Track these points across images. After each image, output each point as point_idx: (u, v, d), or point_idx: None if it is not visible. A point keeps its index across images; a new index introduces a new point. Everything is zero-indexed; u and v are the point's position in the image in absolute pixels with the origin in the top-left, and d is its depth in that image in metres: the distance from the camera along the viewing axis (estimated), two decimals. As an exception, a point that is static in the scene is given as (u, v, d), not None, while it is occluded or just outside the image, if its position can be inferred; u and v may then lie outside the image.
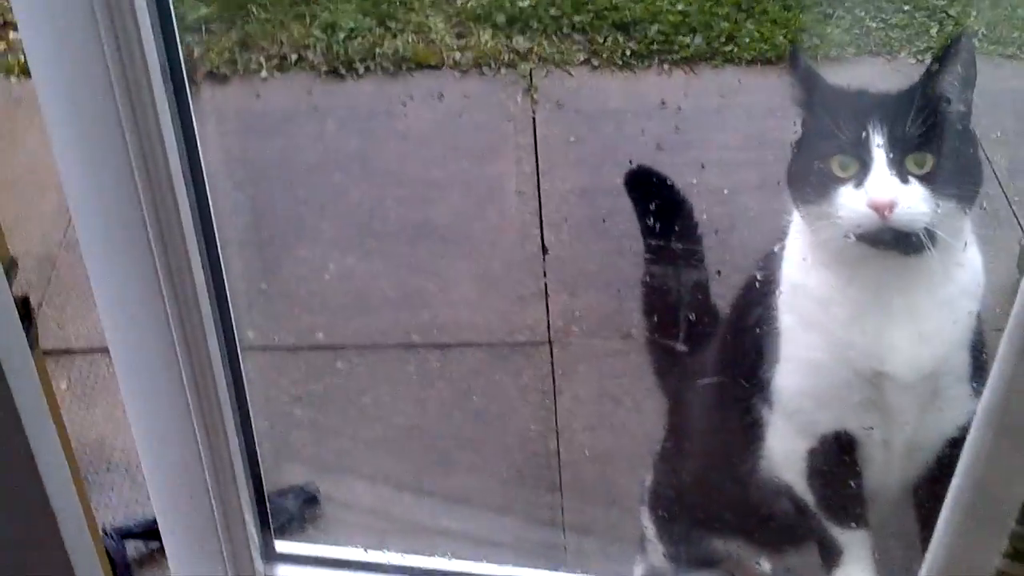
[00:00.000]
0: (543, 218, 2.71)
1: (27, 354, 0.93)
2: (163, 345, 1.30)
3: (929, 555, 1.18)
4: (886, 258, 1.28)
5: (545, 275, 2.58)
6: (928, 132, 1.26)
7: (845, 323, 1.33)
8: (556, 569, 1.79)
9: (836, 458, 1.39)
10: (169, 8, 1.11)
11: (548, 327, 2.47)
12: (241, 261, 2.62)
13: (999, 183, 2.74)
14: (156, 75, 1.09)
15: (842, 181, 1.27)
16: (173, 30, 1.12)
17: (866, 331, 1.32)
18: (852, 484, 1.42)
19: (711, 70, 3.20)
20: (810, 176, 1.30)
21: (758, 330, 1.39)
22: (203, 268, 1.29)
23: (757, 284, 1.42)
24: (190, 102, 1.18)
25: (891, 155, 1.25)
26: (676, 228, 1.65)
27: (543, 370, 2.39)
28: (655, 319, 1.74)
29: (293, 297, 2.54)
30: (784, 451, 1.44)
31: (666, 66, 3.22)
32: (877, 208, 1.23)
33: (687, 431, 1.71)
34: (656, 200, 1.65)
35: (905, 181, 1.25)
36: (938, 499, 1.15)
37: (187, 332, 1.30)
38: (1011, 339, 0.96)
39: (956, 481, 1.09)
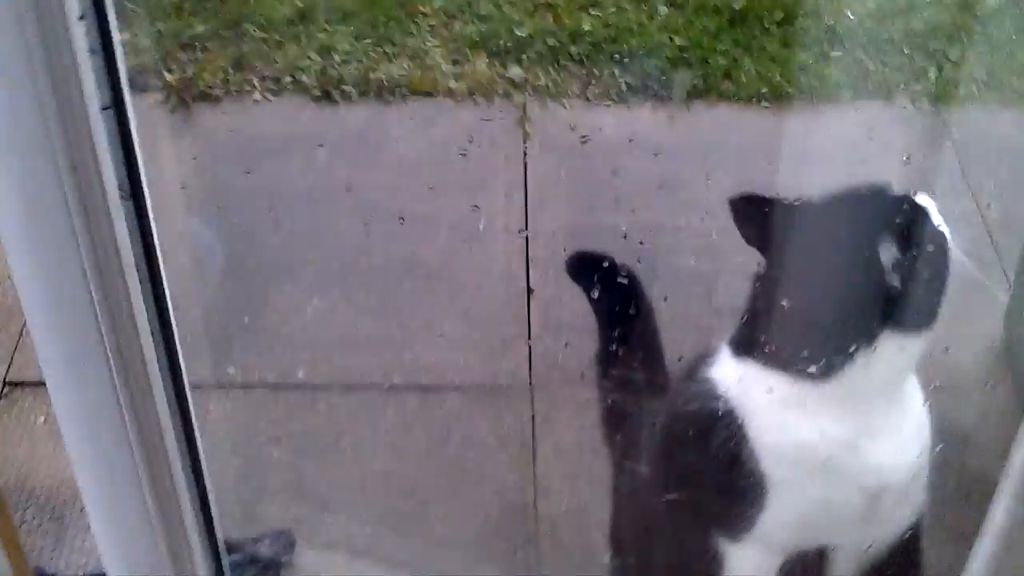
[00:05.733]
0: (530, 257, 2.69)
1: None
2: (104, 388, 1.24)
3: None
4: None
5: (529, 317, 2.56)
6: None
7: (844, 451, 1.32)
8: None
9: (811, 568, 1.38)
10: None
11: (530, 371, 2.45)
12: (223, 293, 2.60)
13: (988, 234, 2.73)
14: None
15: None
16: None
17: (863, 449, 1.32)
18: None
19: (707, 107, 3.18)
20: None
21: (728, 472, 1.36)
22: (145, 305, 1.21)
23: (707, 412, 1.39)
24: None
25: None
26: (624, 306, 1.65)
27: (523, 416, 2.37)
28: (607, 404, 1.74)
29: (274, 333, 2.52)
30: (753, 572, 1.42)
31: (662, 101, 3.20)
32: None
33: (635, 523, 1.69)
34: (601, 282, 1.64)
35: None
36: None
37: (130, 376, 1.23)
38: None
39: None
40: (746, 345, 1.35)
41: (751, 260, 2.66)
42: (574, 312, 2.56)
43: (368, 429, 2.33)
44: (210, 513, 1.52)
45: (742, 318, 1.39)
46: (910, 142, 3.07)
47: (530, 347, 2.49)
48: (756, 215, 1.38)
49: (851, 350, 1.27)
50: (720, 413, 1.33)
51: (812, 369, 1.28)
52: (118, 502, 1.36)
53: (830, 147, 3.02)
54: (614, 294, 1.69)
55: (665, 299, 2.53)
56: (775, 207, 1.38)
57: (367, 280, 2.67)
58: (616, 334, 1.72)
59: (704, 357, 1.40)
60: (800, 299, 1.30)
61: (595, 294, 1.69)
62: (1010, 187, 2.90)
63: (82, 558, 2.10)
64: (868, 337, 1.28)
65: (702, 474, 1.41)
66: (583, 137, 3.09)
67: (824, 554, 1.40)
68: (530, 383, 2.43)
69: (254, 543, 2.08)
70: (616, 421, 1.73)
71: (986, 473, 2.20)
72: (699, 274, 2.64)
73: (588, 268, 1.73)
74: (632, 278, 1.70)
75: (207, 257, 2.69)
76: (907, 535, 1.44)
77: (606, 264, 1.72)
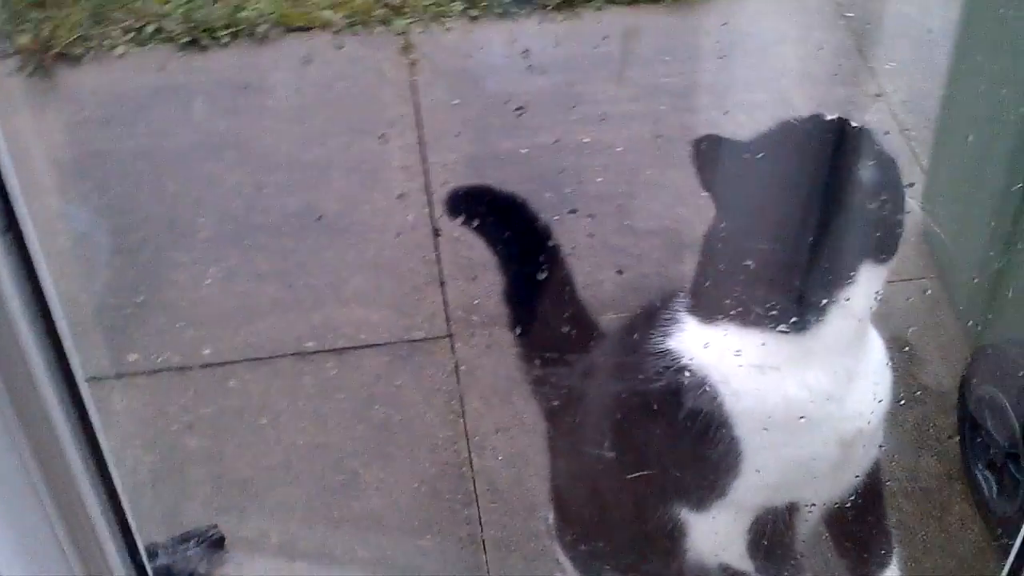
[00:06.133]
0: (431, 196, 2.57)
1: None
2: None
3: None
4: None
5: (439, 261, 2.44)
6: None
7: (824, 402, 1.24)
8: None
9: (781, 525, 1.31)
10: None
11: (447, 319, 2.35)
12: (111, 272, 2.45)
13: (894, 118, 2.68)
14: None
15: None
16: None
17: (841, 398, 1.24)
18: (790, 542, 1.35)
19: (593, 12, 3.06)
20: None
21: (699, 445, 1.27)
22: (21, 299, 1.07)
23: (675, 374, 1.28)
24: None
25: None
26: (518, 237, 1.52)
27: (447, 367, 2.27)
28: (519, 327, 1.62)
29: (174, 309, 2.38)
30: (720, 537, 1.36)
31: (549, 11, 3.07)
32: None
33: (580, 479, 1.61)
34: (489, 216, 1.52)
35: None
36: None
37: (12, 376, 1.09)
38: None
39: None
40: (709, 309, 1.25)
41: (663, 176, 2.58)
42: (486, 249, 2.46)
43: (287, 402, 2.22)
44: (124, 515, 1.39)
45: (699, 280, 1.29)
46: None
47: (444, 293, 2.39)
48: (715, 158, 1.28)
49: (831, 294, 1.19)
50: (687, 386, 1.23)
51: (788, 323, 1.19)
52: (13, 507, 1.23)
53: (730, 44, 2.94)
54: (503, 227, 1.55)
55: (575, 212, 2.46)
56: (732, 149, 1.27)
57: (265, 239, 2.53)
58: (516, 270, 1.59)
59: (653, 324, 1.29)
60: (765, 249, 1.20)
61: (485, 230, 1.55)
62: (910, 66, 2.85)
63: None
64: (847, 274, 1.19)
65: (670, 451, 1.33)
66: (469, 59, 2.97)
67: (794, 507, 1.33)
68: (449, 332, 2.33)
69: (180, 544, 1.97)
70: (538, 369, 1.62)
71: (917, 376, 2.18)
72: (610, 194, 2.55)
73: (470, 204, 1.58)
74: (517, 206, 1.56)
75: (89, 235, 2.53)
76: (870, 474, 1.39)
77: (489, 198, 1.59)
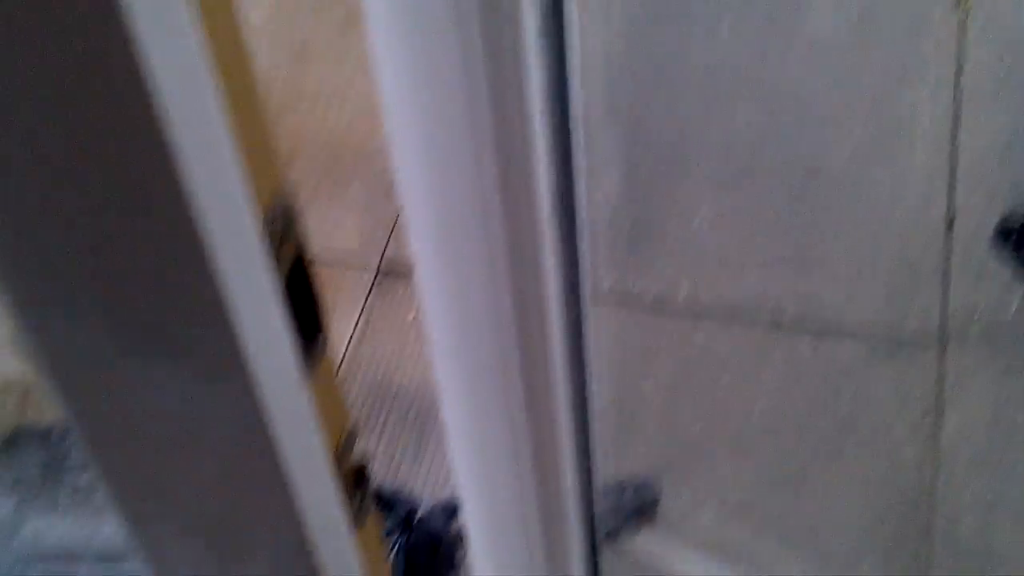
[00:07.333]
0: (957, 175, 2.32)
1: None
2: (484, 292, 1.02)
3: None
4: None
5: (948, 253, 2.21)
6: None
7: None
8: None
9: None
10: None
11: (942, 323, 2.13)
12: (609, 186, 2.40)
13: None
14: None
15: None
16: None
17: None
18: None
19: None
20: None
21: None
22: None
23: None
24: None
25: None
26: None
27: (931, 377, 2.08)
28: None
29: (660, 243, 2.31)
30: None
31: None
32: None
33: None
34: None
35: None
36: None
37: (522, 279, 1.02)
38: None
39: None
40: None
41: None
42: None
43: (751, 371, 2.11)
44: (588, 441, 1.34)
45: None
46: None
47: (945, 292, 2.16)
48: None
49: None
50: None
51: None
52: (485, 428, 1.20)
53: None
54: None
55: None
56: None
57: (765, 187, 2.39)
58: None
59: None
60: None
61: None
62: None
63: (441, 476, 2.05)
64: None
65: None
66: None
67: None
68: (942, 338, 2.11)
69: (614, 491, 1.95)
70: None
71: None
72: None
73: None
74: None
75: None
76: None
77: None
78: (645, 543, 1.90)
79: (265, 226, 0.47)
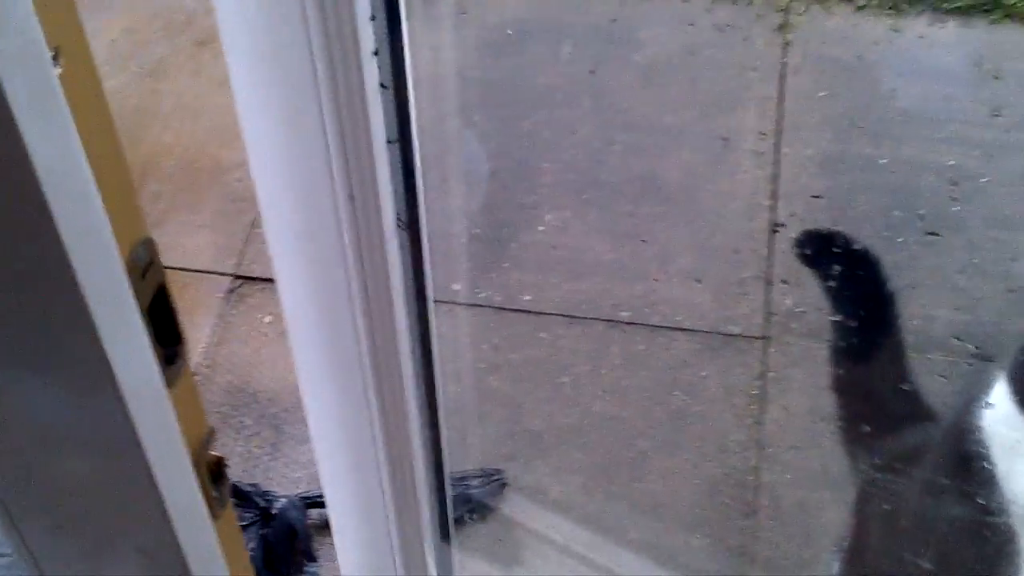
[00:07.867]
0: (777, 188, 2.51)
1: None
2: (337, 294, 1.11)
3: None
4: None
5: (770, 257, 2.39)
6: None
7: None
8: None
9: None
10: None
11: (766, 320, 2.31)
12: (458, 198, 2.52)
13: None
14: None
15: None
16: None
17: None
18: None
19: (987, 24, 2.87)
20: None
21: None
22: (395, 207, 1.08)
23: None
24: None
25: None
26: (863, 299, 1.45)
27: (755, 370, 2.24)
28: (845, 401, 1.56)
29: (504, 249, 2.44)
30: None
31: (942, 13, 2.90)
32: None
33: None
34: (836, 266, 1.46)
35: None
36: None
37: (368, 285, 1.11)
38: None
39: None
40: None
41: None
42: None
43: (591, 365, 2.25)
44: (439, 438, 1.44)
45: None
46: None
47: (768, 293, 2.34)
48: None
49: None
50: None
51: None
52: (344, 423, 1.29)
53: None
54: (849, 283, 1.49)
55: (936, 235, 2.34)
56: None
57: (603, 197, 2.54)
58: (851, 328, 1.52)
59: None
60: None
61: (829, 281, 1.50)
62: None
63: (297, 472, 2.12)
64: None
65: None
66: (846, 51, 2.85)
67: None
68: (765, 334, 2.29)
69: (464, 479, 2.05)
70: (857, 436, 1.56)
71: None
72: (964, 226, 2.41)
73: (820, 248, 1.54)
74: (871, 263, 1.51)
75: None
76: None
77: (839, 247, 1.53)
78: (493, 525, 2.02)
79: (128, 263, 0.60)
